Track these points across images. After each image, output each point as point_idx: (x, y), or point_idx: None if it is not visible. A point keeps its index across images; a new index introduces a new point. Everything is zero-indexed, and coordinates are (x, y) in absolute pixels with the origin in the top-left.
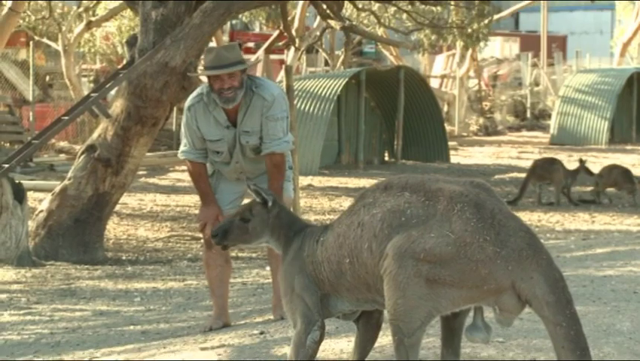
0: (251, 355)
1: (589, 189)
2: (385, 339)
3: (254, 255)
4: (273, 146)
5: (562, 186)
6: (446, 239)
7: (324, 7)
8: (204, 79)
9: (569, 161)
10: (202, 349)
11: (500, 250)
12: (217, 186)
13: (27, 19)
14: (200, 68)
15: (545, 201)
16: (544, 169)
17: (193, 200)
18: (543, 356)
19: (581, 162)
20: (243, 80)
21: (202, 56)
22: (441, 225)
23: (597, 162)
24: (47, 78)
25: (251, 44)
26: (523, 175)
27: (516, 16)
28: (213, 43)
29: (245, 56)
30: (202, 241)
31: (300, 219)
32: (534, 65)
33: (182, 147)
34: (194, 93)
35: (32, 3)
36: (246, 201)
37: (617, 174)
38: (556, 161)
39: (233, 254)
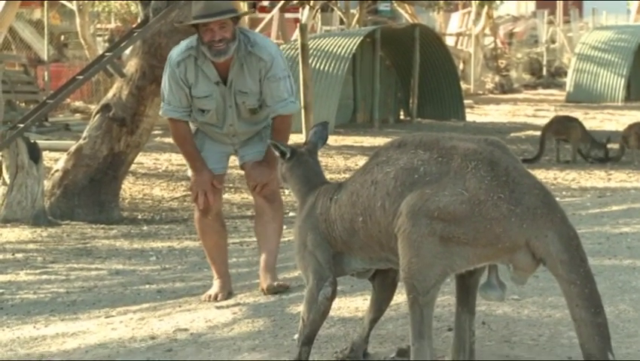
0: (267, 313)
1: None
2: (400, 297)
3: None
4: (279, 108)
5: (579, 145)
6: (460, 197)
7: None
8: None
9: (585, 119)
10: (218, 308)
11: (514, 208)
12: (202, 145)
13: None
14: None
15: (563, 159)
16: (562, 124)
17: None
18: (558, 313)
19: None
20: (235, 32)
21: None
22: (455, 183)
23: (613, 120)
24: (62, 38)
25: (265, 3)
26: (539, 133)
27: None
28: None
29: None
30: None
31: (317, 176)
32: (551, 23)
33: (165, 105)
34: (182, 47)
35: None
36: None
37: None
38: (574, 119)
39: (248, 213)
